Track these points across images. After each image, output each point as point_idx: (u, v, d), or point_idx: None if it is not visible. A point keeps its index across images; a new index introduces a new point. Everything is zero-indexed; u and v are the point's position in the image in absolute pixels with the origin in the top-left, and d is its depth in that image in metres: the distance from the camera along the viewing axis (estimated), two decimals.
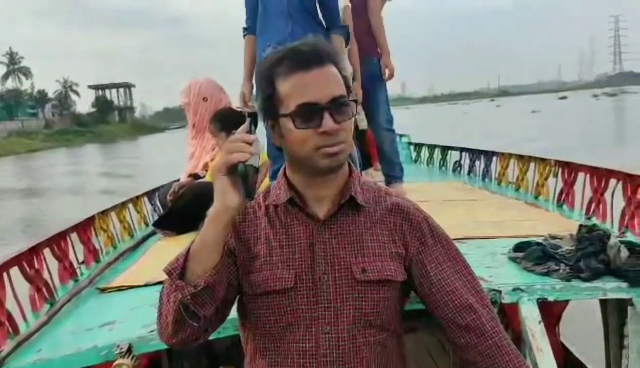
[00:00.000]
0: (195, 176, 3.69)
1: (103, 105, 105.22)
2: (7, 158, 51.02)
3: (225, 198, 1.24)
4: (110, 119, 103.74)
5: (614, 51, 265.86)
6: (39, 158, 48.89)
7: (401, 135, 6.66)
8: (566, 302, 2.45)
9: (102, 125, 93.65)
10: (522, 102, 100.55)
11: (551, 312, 2.64)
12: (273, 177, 3.06)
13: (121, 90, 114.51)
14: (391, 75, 4.13)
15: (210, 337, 1.44)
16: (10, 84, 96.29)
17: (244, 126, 1.27)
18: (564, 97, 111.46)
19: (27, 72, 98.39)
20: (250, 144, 1.24)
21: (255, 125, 1.43)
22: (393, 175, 4.16)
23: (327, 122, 1.28)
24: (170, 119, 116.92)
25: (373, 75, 4.06)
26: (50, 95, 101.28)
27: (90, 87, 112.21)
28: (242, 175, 1.23)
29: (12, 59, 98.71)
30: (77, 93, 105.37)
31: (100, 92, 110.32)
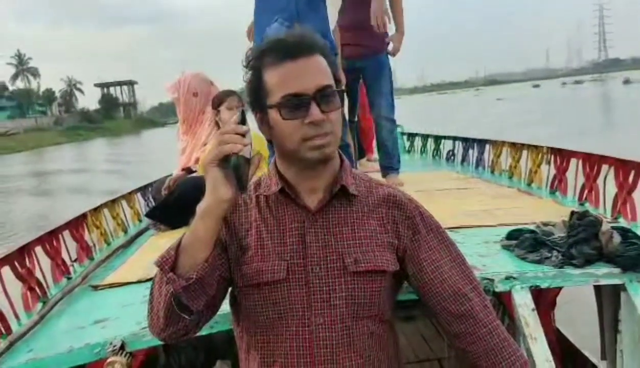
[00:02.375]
0: (188, 170, 3.69)
1: (109, 103, 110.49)
2: (37, 150, 57.88)
3: (217, 191, 1.22)
4: (115, 115, 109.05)
5: (599, 39, 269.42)
6: (69, 149, 56.35)
7: None
8: (560, 288, 2.45)
9: (108, 121, 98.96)
10: (502, 91, 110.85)
11: (545, 298, 2.64)
12: None
13: (125, 87, 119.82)
14: (397, 52, 4.12)
15: (206, 332, 1.43)
16: (19, 83, 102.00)
17: (236, 117, 1.25)
18: (537, 86, 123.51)
19: (35, 73, 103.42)
20: (242, 135, 1.22)
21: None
22: (390, 166, 4.11)
23: (314, 112, 1.27)
24: (166, 113, 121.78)
25: (380, 65, 4.05)
26: (55, 93, 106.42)
27: (96, 85, 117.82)
28: (234, 168, 1.21)
29: (21, 60, 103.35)
30: (81, 91, 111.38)
31: (105, 89, 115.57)
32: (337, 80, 1.34)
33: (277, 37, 1.35)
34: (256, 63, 1.33)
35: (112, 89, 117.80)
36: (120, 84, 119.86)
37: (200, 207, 1.25)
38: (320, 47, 1.34)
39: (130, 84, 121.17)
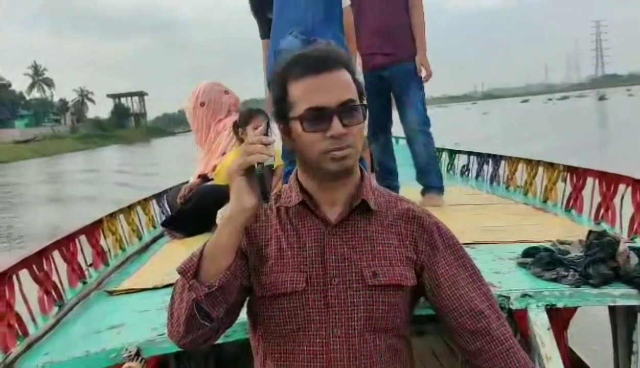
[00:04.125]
0: (204, 177, 3.70)
1: (121, 112, 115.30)
2: (61, 155, 62.16)
3: (242, 200, 1.25)
4: (127, 124, 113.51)
5: (597, 55, 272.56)
6: (88, 155, 60.40)
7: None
8: (575, 307, 2.43)
9: (120, 130, 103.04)
10: (493, 106, 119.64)
11: (560, 318, 2.62)
12: (285, 179, 3.03)
13: (135, 98, 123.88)
14: (429, 76, 3.80)
15: (222, 340, 1.44)
16: (34, 93, 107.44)
17: (262, 128, 1.28)
18: (526, 101, 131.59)
19: (50, 83, 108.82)
20: (267, 145, 1.25)
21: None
22: (427, 184, 3.82)
23: (336, 126, 1.29)
24: (170, 124, 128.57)
25: (407, 74, 3.80)
26: (69, 103, 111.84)
27: (108, 95, 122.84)
28: (259, 177, 1.24)
29: (37, 71, 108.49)
30: (92, 101, 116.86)
31: (117, 100, 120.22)
32: (361, 95, 1.36)
33: (303, 50, 1.38)
34: (281, 75, 1.36)
35: (123, 100, 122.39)
36: (131, 94, 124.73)
37: (224, 215, 1.27)
38: (343, 61, 1.36)
39: (141, 95, 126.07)
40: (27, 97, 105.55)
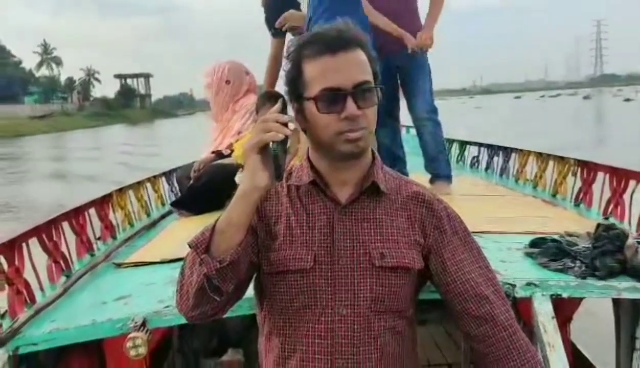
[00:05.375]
0: (218, 153, 3.69)
1: (127, 93, 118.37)
2: (73, 131, 66.88)
3: (255, 177, 1.25)
4: (132, 105, 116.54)
5: (596, 54, 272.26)
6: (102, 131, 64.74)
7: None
8: (579, 301, 2.43)
9: (126, 110, 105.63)
10: (489, 100, 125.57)
11: (563, 311, 2.62)
12: None
13: (141, 79, 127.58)
14: (427, 45, 3.70)
15: (228, 314, 1.45)
16: (42, 71, 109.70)
17: (277, 106, 1.28)
18: (519, 97, 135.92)
19: (59, 62, 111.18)
20: (283, 124, 1.25)
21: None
22: (435, 173, 3.80)
23: (350, 107, 1.29)
24: (172, 106, 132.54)
25: (416, 62, 3.75)
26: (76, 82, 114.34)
27: (115, 76, 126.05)
28: (273, 155, 1.24)
29: (46, 49, 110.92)
30: (98, 80, 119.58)
31: (123, 80, 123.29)
32: (375, 75, 1.36)
33: (318, 30, 1.38)
34: (296, 55, 1.35)
35: (129, 81, 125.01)
36: (137, 76, 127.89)
37: (238, 191, 1.28)
38: (360, 41, 1.35)
39: (146, 76, 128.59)
40: (36, 75, 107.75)
